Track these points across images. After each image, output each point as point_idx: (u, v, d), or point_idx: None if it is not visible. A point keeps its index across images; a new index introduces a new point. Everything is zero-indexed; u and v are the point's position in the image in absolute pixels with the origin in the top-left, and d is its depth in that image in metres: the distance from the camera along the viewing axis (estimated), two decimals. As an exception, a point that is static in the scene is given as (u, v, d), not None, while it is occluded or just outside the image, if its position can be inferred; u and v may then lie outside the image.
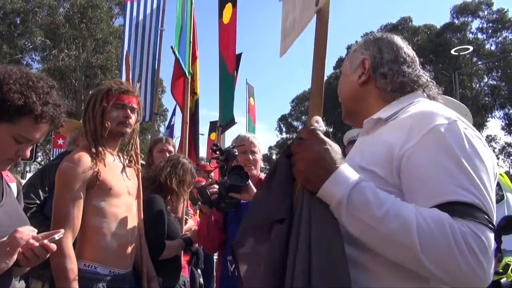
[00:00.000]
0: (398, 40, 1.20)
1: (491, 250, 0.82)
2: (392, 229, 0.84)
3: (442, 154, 0.89)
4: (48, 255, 1.18)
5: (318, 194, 0.92)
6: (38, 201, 2.60)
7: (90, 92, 1.96)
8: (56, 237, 1.19)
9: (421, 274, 0.86)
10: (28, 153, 1.24)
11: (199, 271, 3.51)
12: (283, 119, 37.02)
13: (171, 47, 3.80)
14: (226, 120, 5.06)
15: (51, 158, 14.02)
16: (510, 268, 1.83)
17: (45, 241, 1.15)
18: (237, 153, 2.00)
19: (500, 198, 1.71)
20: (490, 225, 0.83)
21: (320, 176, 0.91)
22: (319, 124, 0.97)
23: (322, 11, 1.09)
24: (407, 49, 1.17)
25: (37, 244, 1.14)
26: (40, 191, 2.63)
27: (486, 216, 0.84)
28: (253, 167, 2.21)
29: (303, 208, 0.93)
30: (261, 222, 1.00)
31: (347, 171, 0.91)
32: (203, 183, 2.40)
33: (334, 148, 0.94)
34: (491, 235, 0.83)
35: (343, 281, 0.86)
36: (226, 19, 4.91)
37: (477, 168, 0.88)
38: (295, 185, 0.98)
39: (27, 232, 1.15)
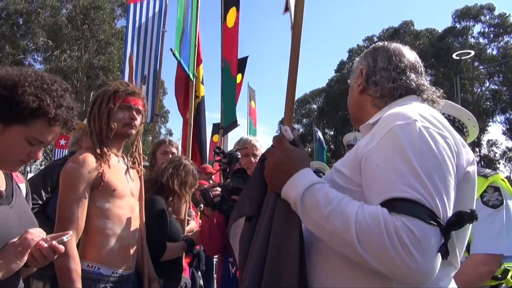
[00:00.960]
0: (396, 47, 1.23)
1: (428, 245, 0.83)
2: (335, 226, 0.91)
3: (393, 153, 0.93)
4: (56, 256, 1.20)
5: (282, 196, 1.03)
6: (40, 202, 2.61)
7: (94, 93, 1.99)
8: (65, 238, 1.21)
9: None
10: (40, 155, 1.25)
11: (199, 273, 3.52)
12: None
13: (171, 49, 3.83)
14: (228, 122, 5.09)
15: (53, 159, 14.04)
16: (510, 274, 1.83)
17: (54, 242, 1.17)
18: (239, 156, 2.01)
19: (499, 203, 1.72)
20: (431, 220, 0.85)
21: (281, 180, 1.03)
22: (287, 133, 1.10)
23: (294, 33, 1.19)
24: (404, 56, 1.20)
25: (46, 245, 1.16)
26: (42, 191, 2.64)
27: (430, 213, 0.85)
28: (255, 169, 2.22)
29: (268, 208, 1.06)
30: (237, 217, 1.15)
31: (305, 175, 1.01)
32: (205, 186, 2.42)
33: (297, 155, 1.05)
34: (430, 230, 0.84)
35: (288, 282, 0.95)
36: (230, 22, 4.95)
37: (428, 167, 0.90)
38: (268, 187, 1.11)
39: (37, 234, 1.17)
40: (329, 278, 1.00)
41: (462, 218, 0.88)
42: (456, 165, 0.96)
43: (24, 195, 1.39)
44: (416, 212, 0.85)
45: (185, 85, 4.54)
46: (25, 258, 1.13)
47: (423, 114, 0.98)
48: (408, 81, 1.15)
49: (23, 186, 1.40)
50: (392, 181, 0.90)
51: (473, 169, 1.03)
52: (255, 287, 0.98)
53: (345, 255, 0.93)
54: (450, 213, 0.90)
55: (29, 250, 1.13)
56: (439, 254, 0.86)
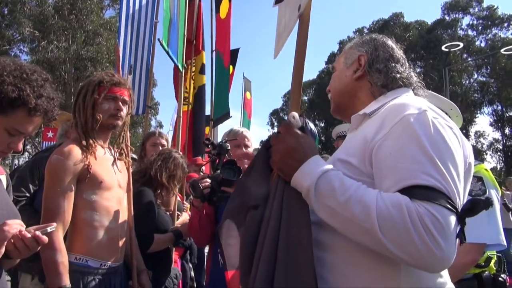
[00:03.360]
0: (391, 41, 1.25)
1: (450, 231, 0.85)
2: (354, 213, 0.89)
3: (409, 141, 0.93)
4: (39, 247, 1.18)
5: (291, 184, 0.99)
6: (27, 194, 2.58)
7: (81, 84, 1.94)
8: (49, 229, 1.19)
9: (391, 258, 0.89)
10: (20, 146, 1.23)
11: (190, 264, 3.53)
12: (275, 113, 37.02)
13: (159, 39, 3.79)
14: (219, 114, 5.07)
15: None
16: (492, 261, 1.88)
17: (37, 233, 1.15)
18: (229, 148, 2.00)
19: (482, 193, 1.74)
20: (450, 207, 0.86)
21: (292, 167, 0.99)
22: (295, 119, 1.07)
23: (303, 16, 1.16)
24: (399, 50, 1.23)
25: (29, 235, 1.14)
26: (30, 184, 2.60)
27: (448, 199, 0.87)
28: (246, 160, 2.22)
29: (276, 197, 1.01)
30: (239, 207, 1.09)
31: (317, 162, 0.99)
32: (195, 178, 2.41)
33: (307, 142, 1.02)
34: (451, 217, 0.86)
35: (305, 278, 0.91)
36: (223, 14, 4.92)
37: (442, 155, 0.91)
38: (272, 175, 1.06)
39: (15, 225, 1.15)
40: (335, 270, 0.98)
41: (477, 205, 0.90)
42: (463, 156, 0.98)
43: (5, 186, 1.37)
44: (437, 198, 0.86)
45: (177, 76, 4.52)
46: (2, 250, 1.11)
47: (429, 106, 1.00)
48: (406, 73, 1.18)
49: (3, 178, 1.37)
50: (410, 169, 0.90)
51: (472, 160, 1.05)
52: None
53: (352, 246, 0.93)
54: (461, 201, 0.92)
55: (6, 242, 1.11)
56: (458, 240, 0.87)
